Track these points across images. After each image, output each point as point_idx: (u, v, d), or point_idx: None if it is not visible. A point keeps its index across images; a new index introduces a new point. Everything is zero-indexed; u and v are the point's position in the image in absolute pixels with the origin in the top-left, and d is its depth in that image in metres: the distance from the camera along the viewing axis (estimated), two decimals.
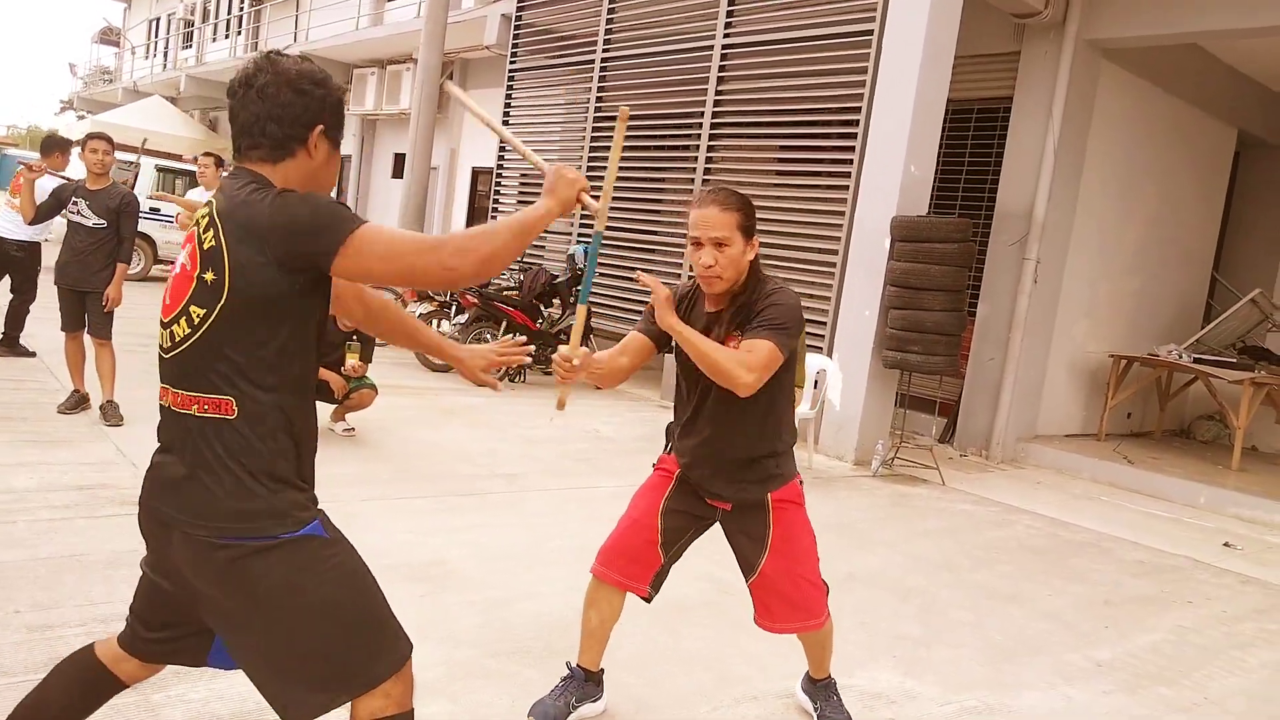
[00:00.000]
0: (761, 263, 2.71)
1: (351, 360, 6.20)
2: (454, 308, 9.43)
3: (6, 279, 7.42)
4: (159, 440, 1.87)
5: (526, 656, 3.31)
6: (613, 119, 10.79)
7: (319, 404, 6.66)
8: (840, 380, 7.73)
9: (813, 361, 7.36)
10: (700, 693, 3.26)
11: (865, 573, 4.81)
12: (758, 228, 2.63)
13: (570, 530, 4.83)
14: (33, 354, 7.28)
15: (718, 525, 2.88)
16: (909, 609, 4.35)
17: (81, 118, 25.75)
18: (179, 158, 15.88)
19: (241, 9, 24.47)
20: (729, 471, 2.74)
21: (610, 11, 10.76)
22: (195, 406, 1.77)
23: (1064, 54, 8.16)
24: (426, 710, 2.89)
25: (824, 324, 8.09)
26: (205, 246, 1.76)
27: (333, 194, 1.97)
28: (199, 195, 8.50)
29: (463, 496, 5.24)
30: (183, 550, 1.78)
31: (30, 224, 6.52)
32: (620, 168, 10.68)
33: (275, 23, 22.47)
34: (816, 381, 7.47)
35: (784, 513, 2.77)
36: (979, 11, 8.12)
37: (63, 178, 6.89)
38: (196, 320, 1.75)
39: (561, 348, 2.45)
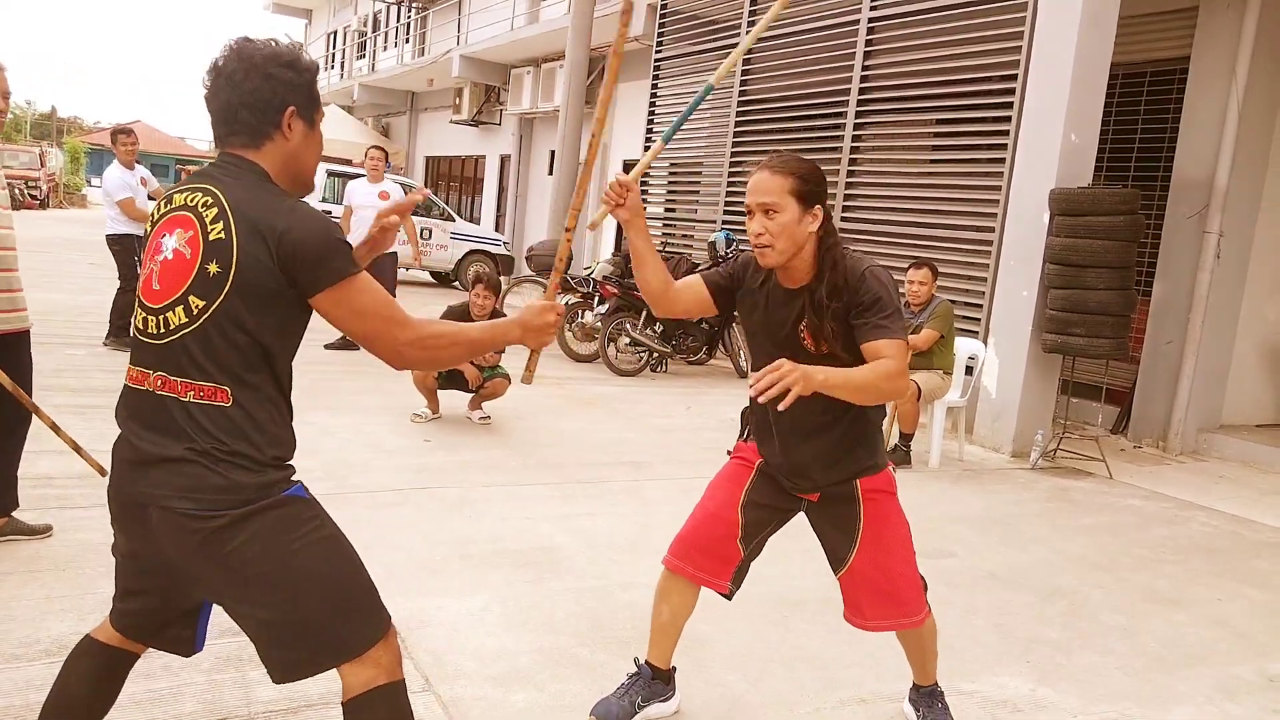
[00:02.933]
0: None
1: None
2: (595, 298, 9.44)
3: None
4: (130, 421, 1.84)
5: (621, 647, 3.19)
6: (758, 103, 10.60)
7: (456, 392, 6.84)
8: (996, 366, 7.27)
9: (965, 346, 6.95)
10: (803, 692, 3.05)
11: (1008, 570, 4.45)
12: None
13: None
14: None
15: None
16: (1053, 611, 3.99)
17: None
18: (348, 162, 16.62)
19: (409, 17, 25.45)
20: (817, 463, 2.52)
21: None
22: (192, 393, 1.76)
23: (1250, 4, 7.37)
24: (512, 697, 2.84)
25: (979, 306, 7.65)
26: (212, 238, 1.75)
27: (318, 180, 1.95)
28: (361, 188, 8.69)
29: (584, 484, 5.18)
30: (164, 527, 1.77)
31: None
32: (764, 151, 10.46)
33: (439, 28, 23.25)
34: (970, 367, 7.04)
35: (875, 503, 2.54)
36: None
37: None
38: (196, 310, 1.75)
39: (623, 175, 2.35)
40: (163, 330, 1.78)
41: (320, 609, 1.80)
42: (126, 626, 1.98)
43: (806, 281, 2.40)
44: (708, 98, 10.97)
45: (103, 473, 3.55)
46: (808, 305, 2.38)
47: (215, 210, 1.77)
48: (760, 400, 2.08)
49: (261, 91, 1.82)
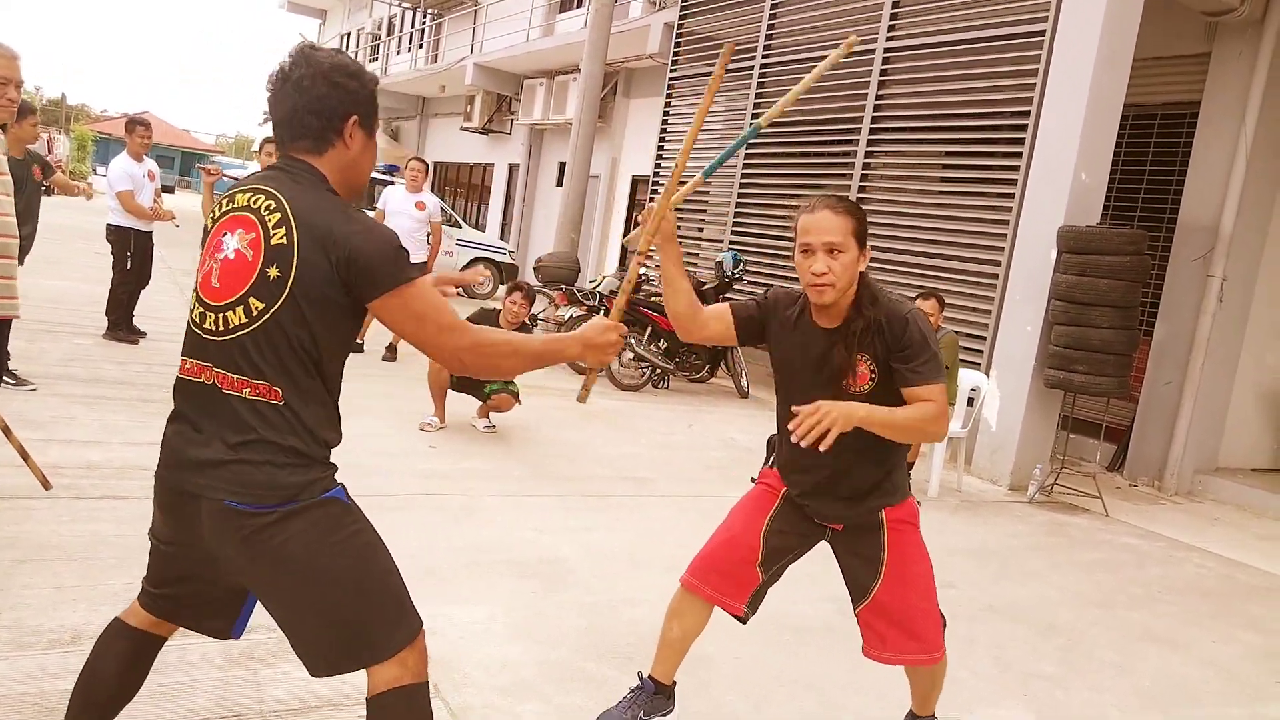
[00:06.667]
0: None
1: None
2: (601, 311, 9.47)
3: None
4: (185, 413, 1.88)
5: (625, 662, 3.23)
6: (770, 126, 10.65)
7: (463, 399, 6.85)
8: (998, 399, 7.32)
9: (967, 377, 7.00)
10: (804, 718, 3.09)
11: (1007, 604, 4.49)
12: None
13: (686, 538, 4.66)
14: (141, 335, 7.51)
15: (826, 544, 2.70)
16: (1050, 646, 4.03)
17: None
18: None
19: (423, 23, 25.56)
20: (847, 495, 2.54)
21: (772, 16, 10.62)
22: (247, 390, 1.81)
23: (1261, 53, 7.47)
24: (518, 708, 2.86)
25: (983, 338, 7.69)
26: (274, 242, 1.80)
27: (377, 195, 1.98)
28: (397, 195, 8.65)
29: (588, 498, 5.21)
30: (211, 520, 1.81)
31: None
32: (773, 174, 10.55)
33: (453, 35, 23.35)
34: (971, 399, 7.09)
35: (899, 533, 2.56)
36: (1164, 11, 7.56)
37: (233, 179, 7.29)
38: (255, 312, 1.80)
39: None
40: (221, 328, 1.82)
41: (354, 611, 1.84)
42: (162, 610, 2.01)
43: (844, 319, 2.44)
44: (736, 129, 10.74)
45: (47, 486, 3.55)
46: (840, 340, 2.42)
47: (278, 215, 1.81)
48: (803, 445, 2.13)
49: (328, 99, 1.87)
